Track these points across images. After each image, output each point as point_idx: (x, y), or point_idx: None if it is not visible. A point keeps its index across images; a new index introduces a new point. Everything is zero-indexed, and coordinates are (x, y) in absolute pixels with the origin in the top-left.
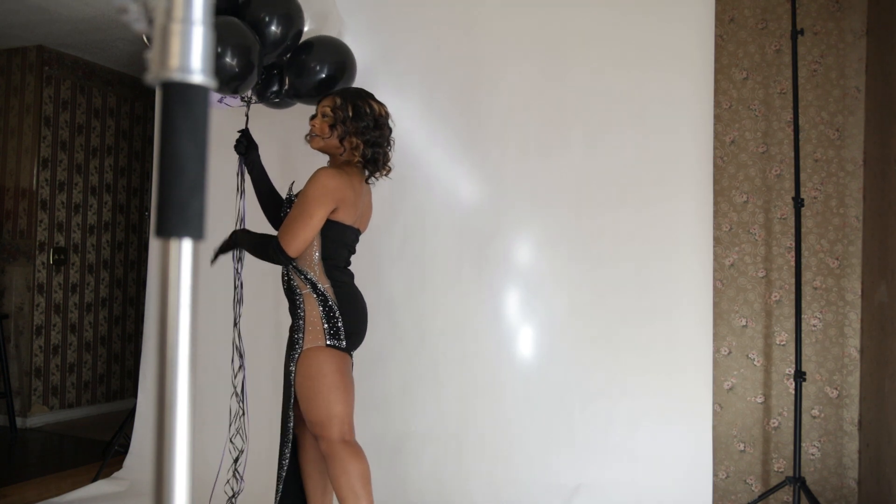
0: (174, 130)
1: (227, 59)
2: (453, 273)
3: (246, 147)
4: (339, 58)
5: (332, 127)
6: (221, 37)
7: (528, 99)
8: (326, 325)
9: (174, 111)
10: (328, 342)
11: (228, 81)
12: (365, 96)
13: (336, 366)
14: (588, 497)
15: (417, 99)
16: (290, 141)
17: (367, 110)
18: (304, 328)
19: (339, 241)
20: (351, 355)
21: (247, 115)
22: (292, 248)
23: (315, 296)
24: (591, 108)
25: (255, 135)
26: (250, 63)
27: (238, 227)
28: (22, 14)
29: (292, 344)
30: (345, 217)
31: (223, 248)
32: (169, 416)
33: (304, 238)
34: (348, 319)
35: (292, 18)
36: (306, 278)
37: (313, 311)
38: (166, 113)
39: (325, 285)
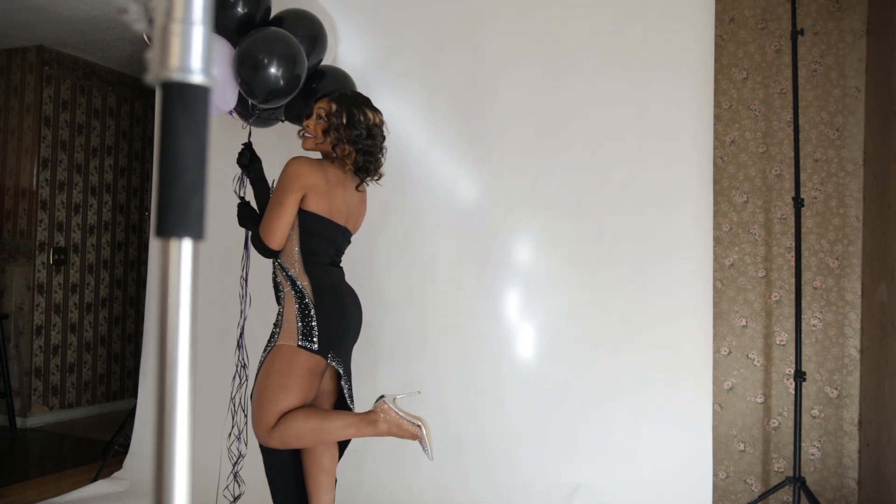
0: (174, 130)
1: (273, 71)
2: (453, 273)
3: (249, 160)
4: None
5: (325, 132)
6: (270, 49)
7: (528, 99)
8: (300, 324)
9: (174, 111)
10: (300, 343)
11: (275, 96)
12: (361, 103)
13: (300, 368)
14: (588, 497)
15: (417, 100)
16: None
17: (362, 118)
18: (280, 324)
19: (319, 235)
20: (329, 359)
21: (250, 129)
22: (271, 239)
23: (294, 293)
24: (591, 109)
25: (257, 149)
26: (297, 76)
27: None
28: (22, 14)
29: (270, 337)
30: (316, 206)
31: (239, 216)
32: (169, 416)
33: (280, 227)
34: (324, 320)
35: (318, 41)
36: (287, 274)
37: (291, 308)
38: (166, 113)
39: (303, 282)
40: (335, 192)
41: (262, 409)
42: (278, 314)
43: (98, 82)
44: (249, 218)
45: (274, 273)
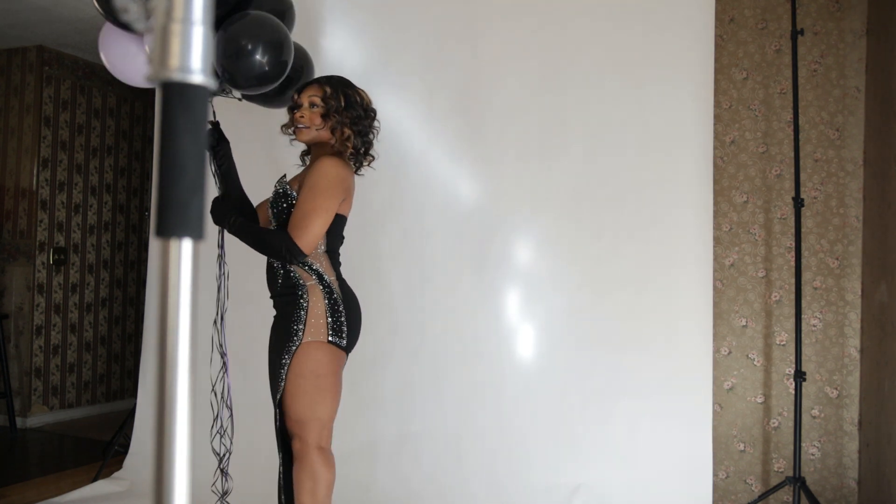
0: (174, 130)
1: (258, 57)
2: (453, 273)
3: (217, 140)
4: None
5: (323, 117)
6: (255, 33)
7: (528, 99)
8: (330, 320)
9: (174, 111)
10: (330, 338)
11: (261, 84)
12: (350, 84)
13: (333, 366)
14: (588, 497)
15: (417, 99)
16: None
17: (357, 99)
18: (305, 320)
19: (339, 234)
20: (347, 355)
21: (213, 112)
22: (307, 243)
23: (321, 287)
24: (591, 109)
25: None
26: (283, 62)
27: (227, 215)
28: (22, 14)
29: (289, 335)
30: (346, 208)
31: (218, 213)
32: (169, 416)
33: (318, 233)
34: (351, 316)
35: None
36: (311, 269)
37: (318, 303)
38: (166, 113)
39: (331, 277)
40: (354, 191)
41: (303, 416)
42: (299, 309)
43: (98, 82)
44: (233, 217)
45: (289, 270)
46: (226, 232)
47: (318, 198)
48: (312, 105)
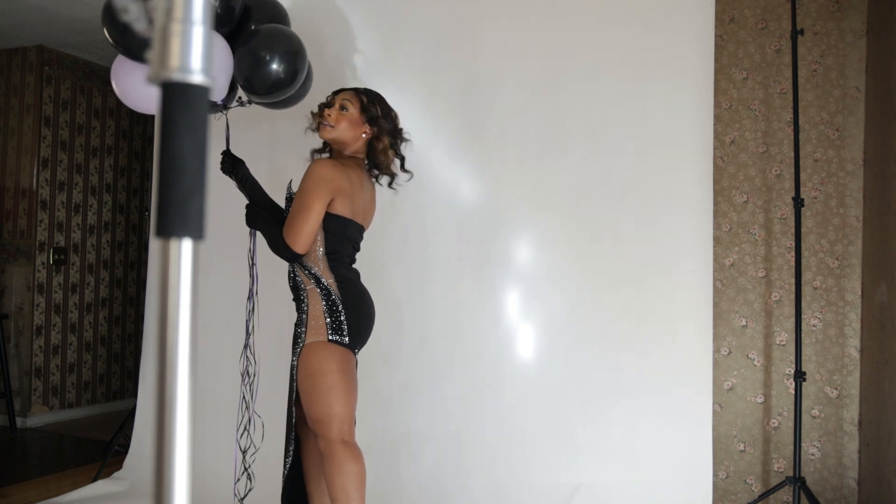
0: (174, 130)
1: (275, 66)
2: (453, 273)
3: (232, 164)
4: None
5: (352, 123)
6: (270, 44)
7: (528, 99)
8: (329, 320)
9: (174, 111)
10: (330, 337)
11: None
12: (382, 97)
13: (338, 363)
14: (588, 497)
15: (417, 99)
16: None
17: (391, 112)
18: (306, 322)
19: (342, 235)
20: (355, 353)
21: (227, 137)
22: (298, 243)
23: (319, 290)
24: (591, 108)
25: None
26: (296, 70)
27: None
28: (22, 14)
29: (295, 339)
30: (342, 209)
31: (249, 216)
32: (169, 416)
33: (307, 232)
34: (352, 316)
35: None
36: (310, 273)
37: (317, 305)
38: (166, 113)
39: (329, 280)
40: (357, 193)
41: (319, 415)
42: (302, 313)
43: (98, 82)
44: (261, 218)
45: (293, 273)
46: (256, 239)
47: (302, 199)
48: (343, 108)
